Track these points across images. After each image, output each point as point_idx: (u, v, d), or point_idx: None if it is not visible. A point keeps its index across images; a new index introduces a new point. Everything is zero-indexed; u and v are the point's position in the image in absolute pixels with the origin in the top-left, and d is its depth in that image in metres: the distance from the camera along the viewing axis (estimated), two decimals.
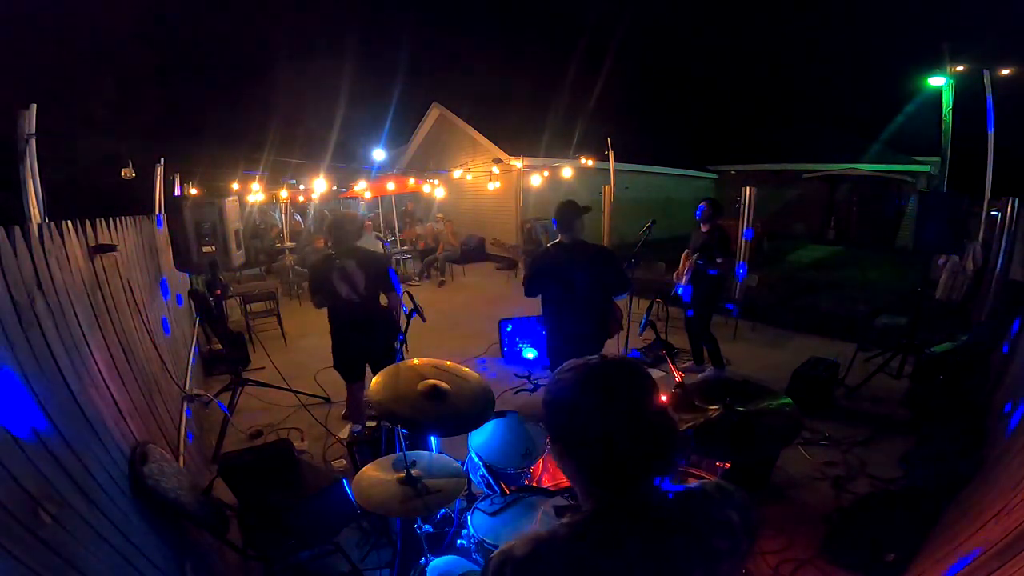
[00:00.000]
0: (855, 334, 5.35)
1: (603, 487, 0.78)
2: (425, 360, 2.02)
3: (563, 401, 0.80)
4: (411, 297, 2.56)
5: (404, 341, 2.34)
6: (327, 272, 3.26)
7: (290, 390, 4.31)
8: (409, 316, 2.50)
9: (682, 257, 4.75)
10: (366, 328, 3.37)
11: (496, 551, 0.77)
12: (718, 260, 4.29)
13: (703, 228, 4.53)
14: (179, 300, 4.25)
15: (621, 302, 3.31)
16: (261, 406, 4.25)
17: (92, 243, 2.10)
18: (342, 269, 3.22)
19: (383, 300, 3.43)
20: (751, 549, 0.85)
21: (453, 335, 6.32)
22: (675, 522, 0.77)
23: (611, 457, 0.76)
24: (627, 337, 4.38)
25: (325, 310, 3.43)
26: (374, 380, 1.86)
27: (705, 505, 0.81)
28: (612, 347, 3.31)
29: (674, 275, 4.86)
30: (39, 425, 1.22)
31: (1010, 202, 4.20)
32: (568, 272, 2.97)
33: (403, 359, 2.13)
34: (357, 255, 3.32)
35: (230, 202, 3.79)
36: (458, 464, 2.05)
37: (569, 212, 2.98)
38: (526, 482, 2.36)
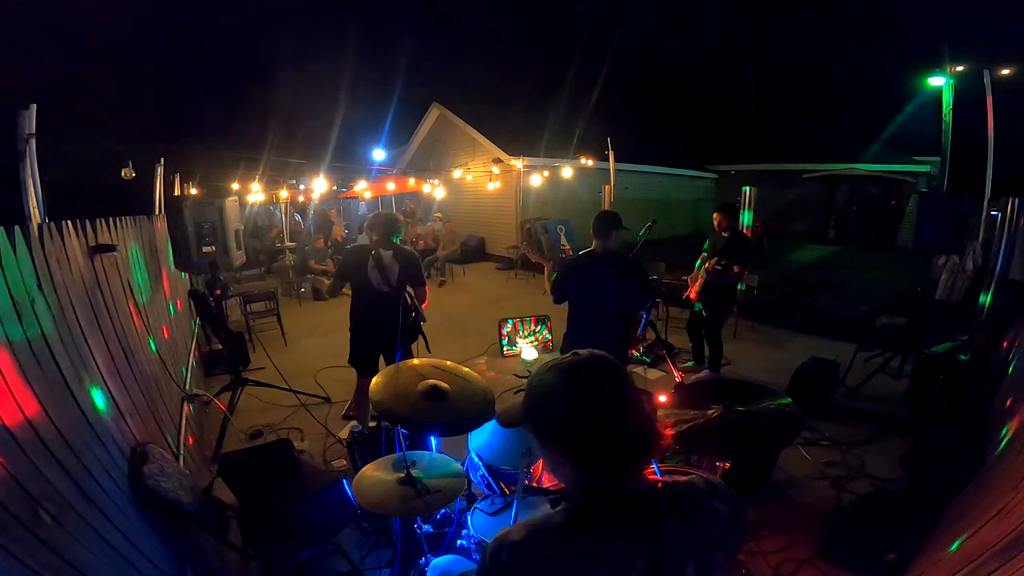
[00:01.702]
0: (855, 334, 5.35)
1: (592, 477, 0.80)
2: (425, 360, 2.02)
3: (547, 397, 0.82)
4: (411, 297, 2.56)
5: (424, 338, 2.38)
6: (362, 260, 3.38)
7: (290, 390, 4.31)
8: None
9: (699, 260, 4.68)
10: (390, 321, 3.40)
11: (493, 538, 0.78)
12: (735, 268, 4.27)
13: (724, 234, 4.48)
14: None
15: (635, 327, 3.24)
16: (261, 406, 4.25)
17: (92, 243, 2.11)
18: (379, 259, 3.35)
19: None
20: (741, 541, 0.87)
21: (453, 335, 6.32)
22: (666, 510, 0.78)
23: (598, 447, 0.77)
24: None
25: (347, 309, 3.52)
26: (374, 380, 1.86)
27: (694, 495, 0.83)
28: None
29: (689, 278, 4.82)
30: (40, 425, 1.22)
31: (1010, 202, 4.20)
32: (594, 281, 2.98)
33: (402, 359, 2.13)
34: (394, 248, 3.46)
35: (230, 202, 3.80)
36: (458, 464, 2.05)
37: (607, 221, 3.01)
38: (526, 482, 2.36)
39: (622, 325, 3.07)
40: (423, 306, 3.46)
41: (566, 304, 3.17)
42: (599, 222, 3.02)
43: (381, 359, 3.58)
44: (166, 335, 3.54)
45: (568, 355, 0.85)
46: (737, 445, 1.74)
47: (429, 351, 2.75)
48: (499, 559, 0.75)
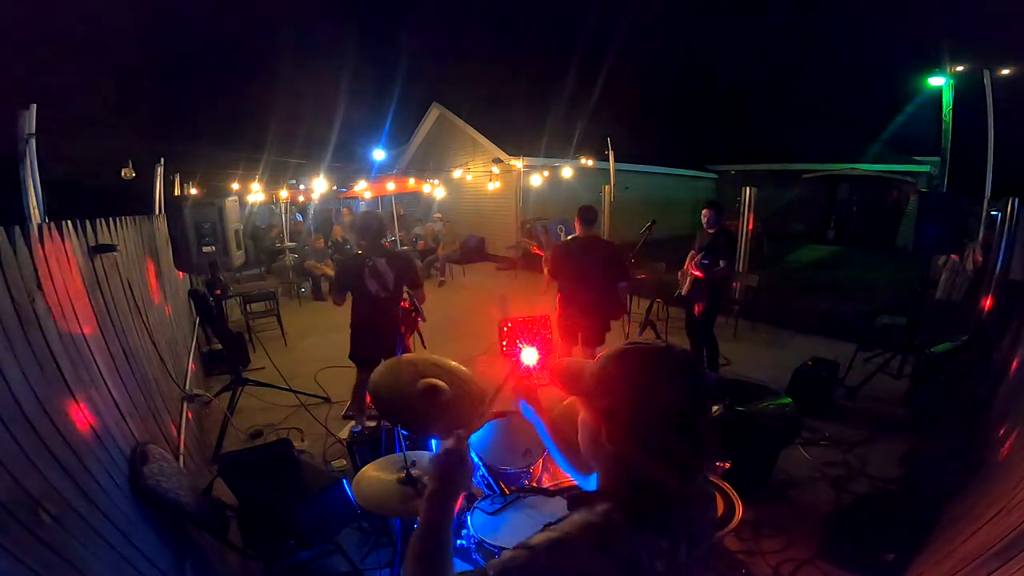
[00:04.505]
0: (855, 334, 5.34)
1: (670, 473, 0.77)
2: (425, 358, 2.01)
3: (648, 379, 0.78)
4: (410, 297, 2.56)
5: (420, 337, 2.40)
6: (357, 270, 3.37)
7: (290, 390, 4.31)
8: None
9: (688, 257, 4.73)
10: (389, 324, 3.41)
11: (540, 540, 0.72)
12: (721, 263, 4.28)
13: (708, 231, 4.51)
14: None
15: (623, 293, 3.97)
16: (261, 406, 4.25)
17: (92, 243, 2.11)
18: (373, 266, 3.35)
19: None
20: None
21: (453, 335, 6.32)
22: (702, 502, 0.86)
23: (691, 439, 0.77)
24: (627, 338, 4.39)
25: (347, 306, 3.51)
26: (372, 377, 1.85)
27: (702, 499, 0.89)
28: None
29: (679, 274, 4.84)
30: (40, 425, 1.22)
31: (1010, 202, 4.20)
32: (581, 260, 3.74)
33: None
34: (386, 253, 3.46)
35: (230, 202, 3.80)
36: None
37: (589, 213, 3.85)
38: (526, 482, 2.36)
39: (603, 296, 3.79)
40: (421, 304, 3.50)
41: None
42: (584, 212, 3.84)
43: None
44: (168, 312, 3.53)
45: (660, 342, 0.86)
46: (737, 445, 1.74)
47: (424, 347, 2.75)
48: (557, 561, 0.68)
